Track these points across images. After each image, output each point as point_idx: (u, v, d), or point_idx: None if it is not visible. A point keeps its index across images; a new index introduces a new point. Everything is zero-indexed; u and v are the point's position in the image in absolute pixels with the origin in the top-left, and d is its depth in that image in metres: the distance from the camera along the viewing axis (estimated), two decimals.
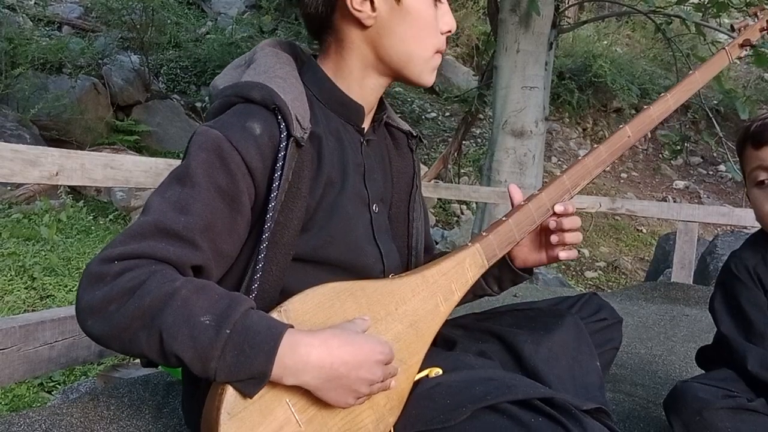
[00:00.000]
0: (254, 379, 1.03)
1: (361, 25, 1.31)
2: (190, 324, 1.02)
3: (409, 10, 1.30)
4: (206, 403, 1.08)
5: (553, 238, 1.47)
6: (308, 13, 1.35)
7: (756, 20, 1.72)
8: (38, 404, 3.67)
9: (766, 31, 1.70)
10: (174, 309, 1.03)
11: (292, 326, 1.07)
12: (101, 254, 1.09)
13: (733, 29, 1.74)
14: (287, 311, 1.11)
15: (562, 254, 1.49)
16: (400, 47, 1.32)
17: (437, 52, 1.37)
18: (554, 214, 1.46)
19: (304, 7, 1.35)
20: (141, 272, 1.06)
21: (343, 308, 1.17)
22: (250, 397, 1.05)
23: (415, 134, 1.54)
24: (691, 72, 1.64)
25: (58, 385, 3.94)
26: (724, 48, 1.68)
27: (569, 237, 1.47)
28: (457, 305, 1.55)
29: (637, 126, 1.57)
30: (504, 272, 1.54)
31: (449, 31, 1.37)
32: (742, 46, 1.70)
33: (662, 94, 1.61)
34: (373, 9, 1.29)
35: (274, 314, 1.10)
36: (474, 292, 1.57)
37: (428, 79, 1.39)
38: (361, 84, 1.36)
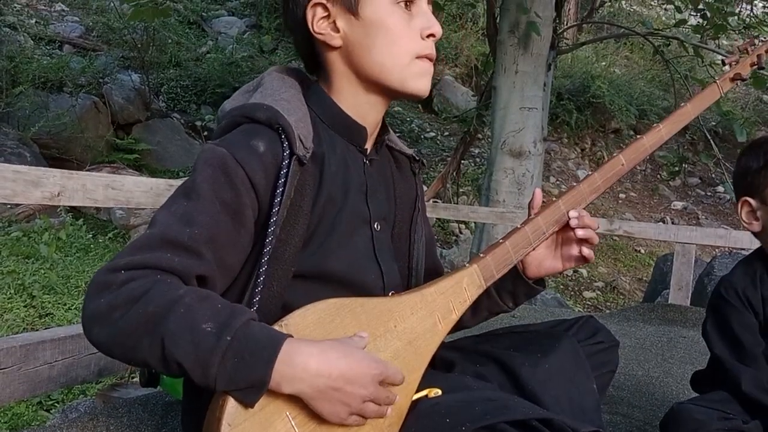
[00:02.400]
0: (253, 387, 1.05)
1: (332, 47, 1.34)
2: (192, 331, 1.04)
3: (371, 20, 1.31)
4: (207, 416, 1.10)
5: (580, 232, 1.48)
6: (297, 49, 1.42)
7: (747, 55, 1.75)
8: (37, 423, 3.67)
9: (756, 66, 1.73)
10: (177, 316, 1.05)
11: (291, 335, 1.09)
12: (108, 264, 1.12)
13: (723, 63, 1.77)
14: (287, 325, 1.13)
15: (585, 250, 1.50)
16: (371, 59, 1.33)
17: (418, 57, 1.35)
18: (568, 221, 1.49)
19: (290, 33, 1.41)
20: (146, 281, 1.08)
21: (342, 324, 1.19)
22: (251, 407, 1.06)
23: (417, 158, 1.55)
24: (683, 105, 1.67)
25: (56, 404, 3.93)
26: (715, 82, 1.70)
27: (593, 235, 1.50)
28: (474, 324, 1.60)
29: (631, 155, 1.59)
30: (518, 286, 1.56)
31: (431, 35, 1.36)
32: (733, 80, 1.73)
33: (655, 124, 1.64)
34: (336, 29, 1.33)
35: (275, 328, 1.12)
36: (489, 309, 1.60)
37: (414, 86, 1.36)
38: (355, 105, 1.38)
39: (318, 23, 1.33)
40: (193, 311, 1.06)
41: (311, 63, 1.43)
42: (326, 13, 1.33)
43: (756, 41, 1.76)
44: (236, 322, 1.06)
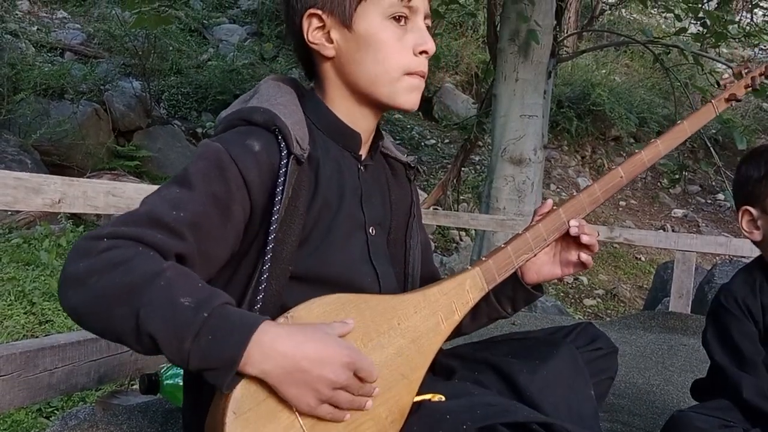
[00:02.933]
0: (222, 368, 1.05)
1: (326, 57, 1.36)
2: (171, 304, 1.05)
3: (364, 34, 1.33)
4: (210, 410, 1.11)
5: (585, 238, 1.50)
6: (296, 55, 1.45)
7: (742, 77, 1.78)
8: (36, 430, 3.67)
9: (751, 88, 1.76)
10: (156, 288, 1.05)
11: (268, 318, 1.10)
12: (90, 233, 1.13)
13: (719, 85, 1.80)
14: (293, 318, 1.14)
15: (584, 255, 1.53)
16: (362, 72, 1.35)
17: (408, 73, 1.36)
18: (568, 233, 1.52)
19: (290, 39, 1.43)
20: (127, 251, 1.09)
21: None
22: (224, 392, 1.06)
23: (413, 165, 1.57)
24: (679, 122, 1.70)
25: (56, 411, 3.93)
26: (710, 101, 1.72)
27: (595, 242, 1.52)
28: (473, 330, 1.62)
29: (630, 167, 1.62)
30: (517, 291, 1.57)
31: (424, 52, 1.37)
32: (728, 100, 1.76)
33: (653, 140, 1.68)
34: (330, 40, 1.35)
35: (281, 320, 1.13)
36: (489, 315, 1.61)
37: (403, 101, 1.37)
38: (348, 113, 1.40)
39: (313, 33, 1.35)
40: (173, 285, 1.07)
41: (308, 70, 1.46)
42: (321, 24, 1.34)
43: (750, 65, 1.80)
44: (214, 300, 1.07)
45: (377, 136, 1.48)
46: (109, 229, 1.13)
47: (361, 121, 1.41)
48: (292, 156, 1.25)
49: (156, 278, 1.06)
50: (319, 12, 1.34)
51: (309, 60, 1.42)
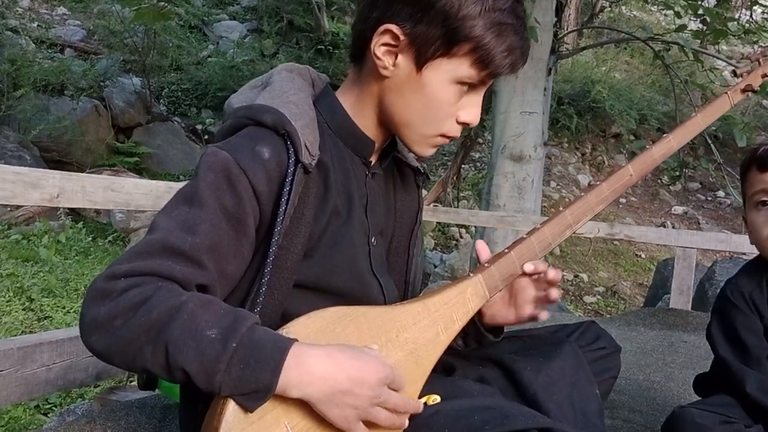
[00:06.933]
0: (258, 392, 1.04)
1: (379, 72, 1.30)
2: (197, 337, 1.03)
3: (426, 84, 1.27)
4: (204, 422, 1.09)
5: (551, 273, 1.44)
6: (354, 24, 1.35)
7: (759, 65, 1.74)
8: (34, 426, 3.66)
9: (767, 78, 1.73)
10: (181, 322, 1.03)
11: (296, 340, 1.08)
12: (107, 271, 1.10)
13: (735, 74, 1.76)
14: (289, 333, 1.11)
15: (554, 294, 1.46)
16: (403, 110, 1.31)
17: (442, 135, 1.33)
18: (524, 273, 1.43)
19: (355, 17, 1.35)
20: (147, 288, 1.06)
21: (344, 333, 1.17)
22: (251, 412, 1.05)
23: (422, 171, 1.53)
24: (693, 114, 1.65)
25: (54, 407, 3.92)
26: (726, 93, 1.69)
27: (554, 292, 1.45)
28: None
29: (640, 165, 1.57)
30: (470, 327, 1.48)
31: (467, 124, 1.34)
32: (744, 91, 1.73)
33: (664, 135, 1.63)
34: (395, 64, 1.28)
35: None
36: None
37: (421, 150, 1.36)
38: (368, 123, 1.36)
39: (380, 47, 1.27)
40: (196, 317, 1.04)
41: (357, 56, 1.36)
42: (394, 44, 1.26)
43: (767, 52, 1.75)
44: (241, 327, 1.05)
45: (391, 144, 1.45)
46: (125, 266, 1.09)
47: (377, 131, 1.38)
48: (299, 165, 1.21)
49: (178, 312, 1.04)
50: (399, 34, 1.25)
51: (363, 51, 1.32)
